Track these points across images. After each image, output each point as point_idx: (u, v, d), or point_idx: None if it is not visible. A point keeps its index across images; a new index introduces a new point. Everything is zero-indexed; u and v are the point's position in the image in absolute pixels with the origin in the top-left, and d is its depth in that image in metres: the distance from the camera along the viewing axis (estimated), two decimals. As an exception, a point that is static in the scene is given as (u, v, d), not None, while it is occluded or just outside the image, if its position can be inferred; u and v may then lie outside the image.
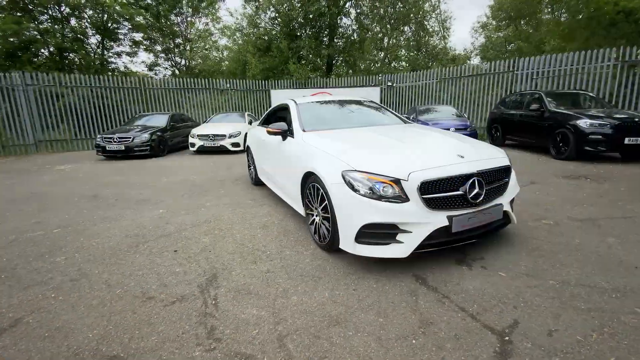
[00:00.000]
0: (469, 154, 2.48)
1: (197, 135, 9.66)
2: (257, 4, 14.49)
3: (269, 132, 3.57)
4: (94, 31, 16.32)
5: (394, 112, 4.26)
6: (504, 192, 2.53)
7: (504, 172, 2.54)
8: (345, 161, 2.40)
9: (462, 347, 1.61)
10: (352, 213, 2.26)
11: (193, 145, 9.71)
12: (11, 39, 13.02)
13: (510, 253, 2.57)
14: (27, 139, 10.54)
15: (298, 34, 15.03)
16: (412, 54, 21.46)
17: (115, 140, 8.85)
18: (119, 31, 17.16)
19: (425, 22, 18.91)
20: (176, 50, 18.92)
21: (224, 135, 9.52)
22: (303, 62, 14.43)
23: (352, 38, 17.01)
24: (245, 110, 13.89)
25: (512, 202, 2.73)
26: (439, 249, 2.36)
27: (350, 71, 19.04)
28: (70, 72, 13.60)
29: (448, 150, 2.58)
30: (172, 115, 10.79)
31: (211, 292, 2.19)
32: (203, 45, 19.19)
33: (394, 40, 19.90)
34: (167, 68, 19.53)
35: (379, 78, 13.76)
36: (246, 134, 9.37)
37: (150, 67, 19.19)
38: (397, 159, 2.40)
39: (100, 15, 15.89)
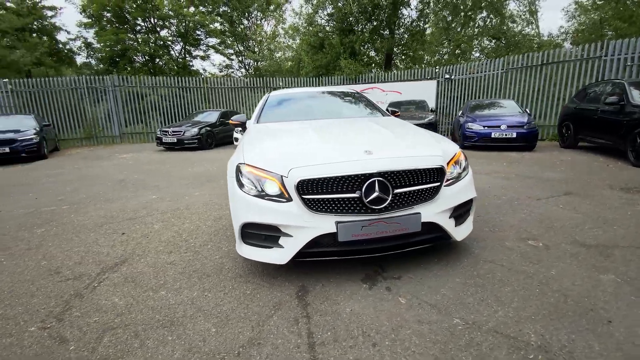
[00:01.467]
0: (383, 150, 2.05)
1: (240, 131, 10.24)
2: (314, 1, 14.61)
3: (231, 123, 3.55)
4: (178, 39, 18.74)
5: (375, 104, 3.78)
6: (430, 199, 2.00)
7: (433, 174, 2.00)
8: (243, 154, 2.22)
9: (261, 380, 1.32)
10: (235, 210, 2.07)
11: (236, 139, 10.31)
12: (113, 48, 15.92)
13: (440, 276, 2.04)
14: (114, 131, 12.67)
15: (355, 28, 14.68)
16: (490, 43, 18.99)
17: (169, 133, 9.99)
18: (199, 38, 19.34)
19: (504, 7, 16.46)
20: (246, 52, 20.43)
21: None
22: (357, 57, 14.05)
23: (413, 29, 15.88)
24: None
25: (459, 212, 2.16)
26: (335, 259, 2.01)
27: (416, 65, 17.81)
28: (159, 75, 15.81)
29: (359, 144, 2.16)
30: (224, 112, 11.66)
31: (105, 275, 2.26)
32: (268, 46, 20.29)
33: (467, 29, 17.88)
34: (237, 69, 21.33)
35: (436, 70, 12.55)
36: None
37: (221, 69, 21.23)
38: (295, 153, 2.11)
39: (184, 24, 18.11)
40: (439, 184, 2.02)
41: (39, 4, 16.54)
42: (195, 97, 13.69)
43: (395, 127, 2.80)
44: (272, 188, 1.95)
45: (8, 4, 15.08)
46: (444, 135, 12.20)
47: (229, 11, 20.11)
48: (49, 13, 16.97)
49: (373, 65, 16.11)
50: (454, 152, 2.24)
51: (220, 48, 19.85)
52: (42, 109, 11.88)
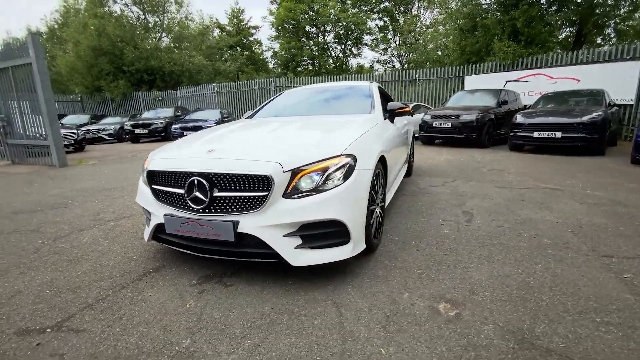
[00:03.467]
0: (228, 151, 1.95)
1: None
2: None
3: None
4: (340, 39, 20.59)
5: (373, 101, 3.13)
6: (255, 210, 1.74)
7: (259, 182, 1.73)
8: (163, 147, 2.61)
9: None
10: (139, 192, 2.50)
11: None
12: (287, 55, 19.48)
13: (259, 298, 1.77)
14: (272, 122, 15.65)
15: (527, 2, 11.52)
16: None
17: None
18: (358, 37, 20.55)
19: None
20: (402, 45, 20.01)
21: (373, 126, 9.77)
22: (520, 37, 10.99)
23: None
24: (429, 101, 12.96)
25: (313, 232, 1.78)
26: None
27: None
28: (322, 75, 18.09)
29: (214, 142, 2.11)
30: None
31: (108, 223, 3.22)
32: (420, 37, 18.98)
33: None
34: (387, 63, 21.25)
35: (644, 46, 8.31)
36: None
37: (372, 65, 21.69)
38: (174, 146, 2.33)
39: (345, 25, 19.70)
40: (265, 194, 1.74)
41: (246, 25, 22.36)
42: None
43: (324, 127, 2.48)
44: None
45: (227, 28, 21.31)
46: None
47: (390, 6, 20.19)
48: (252, 31, 22.69)
49: (552, 45, 12.22)
50: (314, 159, 1.81)
51: (373, 44, 20.39)
52: (234, 104, 16.17)
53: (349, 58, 21.71)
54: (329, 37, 21.00)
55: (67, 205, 3.90)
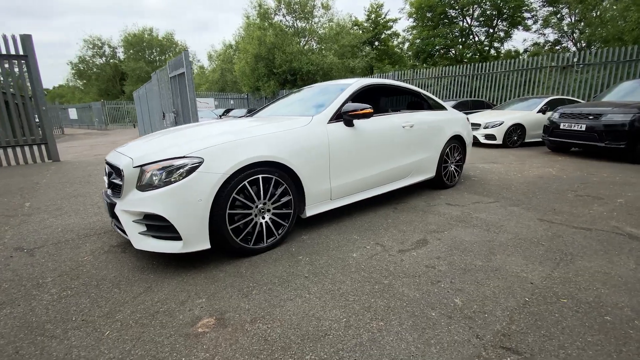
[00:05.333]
0: (126, 147, 2.42)
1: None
2: None
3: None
4: (486, 20, 17.47)
5: (329, 102, 2.83)
6: (119, 196, 2.14)
7: (119, 173, 2.13)
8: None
9: None
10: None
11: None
12: (419, 46, 18.14)
13: (115, 272, 2.16)
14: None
15: None
16: None
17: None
18: (511, 15, 16.87)
19: None
20: (576, 21, 15.01)
21: (479, 125, 8.19)
22: None
23: None
24: (593, 94, 9.50)
25: (153, 223, 2.04)
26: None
27: None
28: (464, 63, 16.32)
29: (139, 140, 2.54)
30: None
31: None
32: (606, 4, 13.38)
33: None
34: (555, 44, 16.14)
35: None
36: (513, 125, 7.56)
37: (526, 49, 16.93)
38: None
39: (495, 3, 16.59)
40: (121, 183, 2.10)
41: (384, 19, 22.11)
42: (483, 84, 12.51)
43: (231, 128, 2.56)
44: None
45: (365, 25, 21.73)
46: None
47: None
48: (390, 24, 22.24)
49: None
50: (159, 158, 2.05)
51: (530, 24, 16.13)
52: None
53: (501, 43, 18.12)
54: (474, 21, 18.21)
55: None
